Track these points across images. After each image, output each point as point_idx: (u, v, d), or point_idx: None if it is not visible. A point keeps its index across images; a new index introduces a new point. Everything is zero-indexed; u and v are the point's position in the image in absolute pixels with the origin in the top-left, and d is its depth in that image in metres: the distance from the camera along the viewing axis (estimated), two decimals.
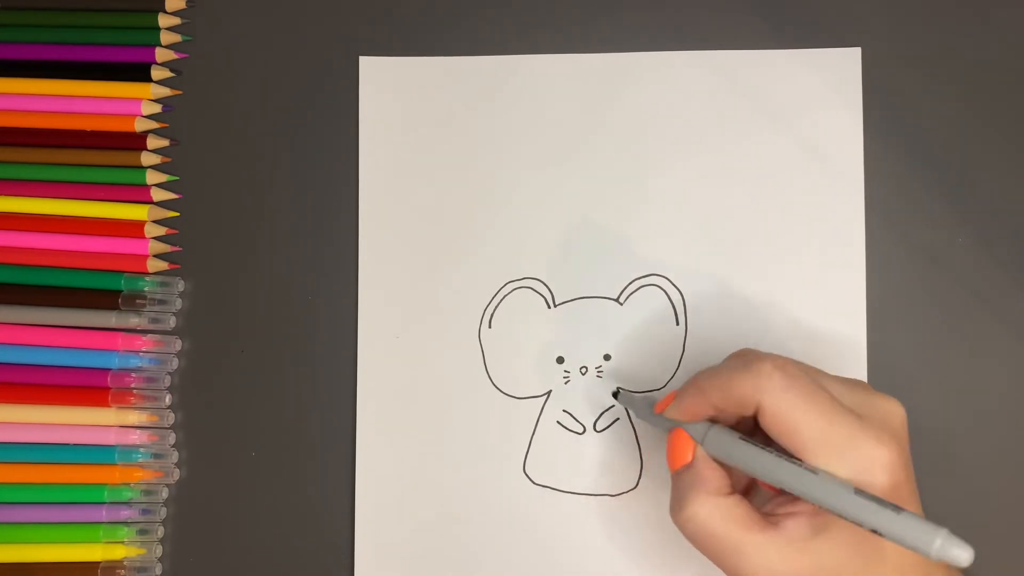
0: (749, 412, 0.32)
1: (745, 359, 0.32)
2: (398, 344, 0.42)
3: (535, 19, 0.44)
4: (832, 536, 0.30)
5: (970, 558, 0.26)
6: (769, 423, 0.31)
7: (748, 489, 0.35)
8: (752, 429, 0.33)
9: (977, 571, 0.40)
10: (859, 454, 0.30)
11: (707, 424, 0.33)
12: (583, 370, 0.42)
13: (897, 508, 0.28)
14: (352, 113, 0.44)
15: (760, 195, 0.42)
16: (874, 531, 0.28)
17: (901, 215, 0.42)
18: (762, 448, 0.31)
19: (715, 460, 0.33)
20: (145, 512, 0.42)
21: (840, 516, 0.29)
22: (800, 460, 0.30)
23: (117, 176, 0.43)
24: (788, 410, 0.30)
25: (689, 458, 0.33)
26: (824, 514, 0.30)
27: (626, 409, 0.42)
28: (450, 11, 0.44)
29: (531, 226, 0.43)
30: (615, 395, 0.41)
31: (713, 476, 0.32)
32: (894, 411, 0.32)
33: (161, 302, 0.43)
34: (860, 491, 0.29)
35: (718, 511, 0.31)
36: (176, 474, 0.43)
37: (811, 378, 0.31)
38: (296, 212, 0.44)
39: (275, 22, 0.44)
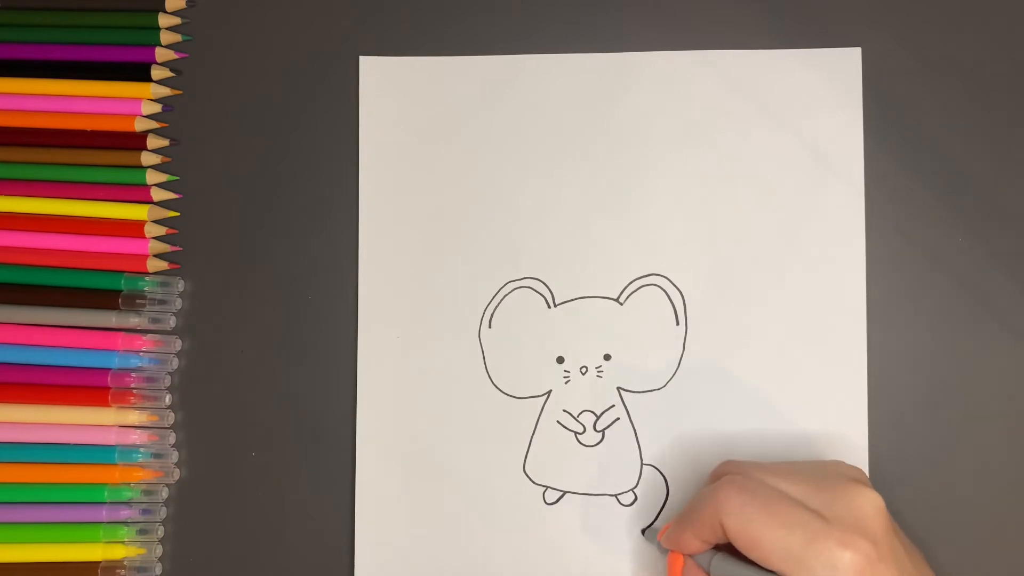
0: (724, 538, 0.32)
1: (711, 485, 0.33)
2: (398, 344, 0.42)
3: (535, 19, 0.44)
4: None
5: None
6: (736, 542, 0.31)
7: None
8: None
9: (978, 563, 0.40)
10: (821, 560, 0.29)
11: (711, 552, 0.34)
12: (583, 370, 0.42)
13: None
14: (352, 113, 0.44)
15: (760, 195, 0.42)
16: None
17: (901, 215, 0.42)
18: (760, 570, 0.32)
19: None
20: (145, 512, 0.42)
21: None
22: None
23: (117, 176, 0.43)
24: (747, 525, 0.31)
25: None
26: None
27: (626, 410, 0.42)
28: (450, 11, 0.44)
29: (531, 226, 0.43)
30: (643, 532, 0.41)
31: None
32: (866, 504, 0.31)
33: (161, 302, 0.43)
34: None
35: None
36: (176, 474, 0.43)
37: (771, 486, 0.32)
38: (296, 212, 0.43)
39: (275, 22, 0.44)
